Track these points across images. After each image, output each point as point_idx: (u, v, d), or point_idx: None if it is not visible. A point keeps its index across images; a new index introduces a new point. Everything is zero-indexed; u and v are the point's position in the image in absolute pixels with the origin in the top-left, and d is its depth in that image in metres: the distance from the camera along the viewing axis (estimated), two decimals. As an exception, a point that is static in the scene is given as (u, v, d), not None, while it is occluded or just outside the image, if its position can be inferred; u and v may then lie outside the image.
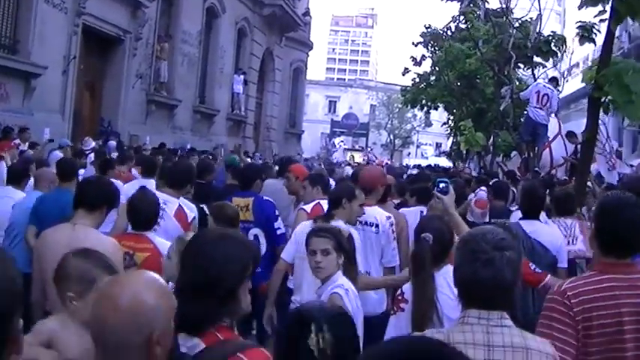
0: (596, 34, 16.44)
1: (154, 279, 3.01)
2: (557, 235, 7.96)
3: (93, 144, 21.43)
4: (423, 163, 58.13)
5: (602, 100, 11.11)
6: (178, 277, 3.64)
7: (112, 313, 2.81)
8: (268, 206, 9.21)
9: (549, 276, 6.55)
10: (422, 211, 10.02)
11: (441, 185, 6.04)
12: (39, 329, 3.25)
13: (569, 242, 8.16)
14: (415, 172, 22.57)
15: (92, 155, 17.67)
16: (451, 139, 47.43)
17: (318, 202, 8.66)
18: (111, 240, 6.10)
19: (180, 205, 8.09)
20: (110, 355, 2.85)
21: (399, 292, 5.41)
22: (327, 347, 2.75)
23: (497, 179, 15.53)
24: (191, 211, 8.19)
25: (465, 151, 36.18)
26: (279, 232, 9.13)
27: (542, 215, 8.30)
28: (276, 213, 9.32)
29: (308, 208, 8.69)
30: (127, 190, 10.05)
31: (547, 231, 7.81)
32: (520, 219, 8.10)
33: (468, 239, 3.57)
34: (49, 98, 23.27)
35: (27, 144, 18.84)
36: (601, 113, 11.71)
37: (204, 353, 3.29)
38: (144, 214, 6.74)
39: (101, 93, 28.77)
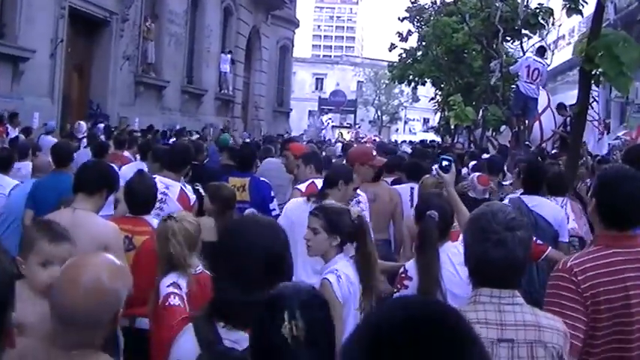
0: (583, 6, 16.43)
1: (111, 260, 3.18)
2: (559, 209, 7.98)
3: (85, 128, 21.42)
4: (412, 138, 58.10)
5: (593, 72, 11.13)
6: (222, 267, 3.45)
7: (85, 299, 2.94)
8: (264, 187, 9.23)
9: (550, 248, 6.59)
10: (412, 188, 10.08)
11: (444, 163, 6.02)
12: None
13: None
14: (408, 149, 22.58)
15: (85, 140, 17.61)
16: (439, 114, 47.43)
17: (313, 181, 8.65)
18: (112, 224, 6.12)
19: (182, 188, 8.12)
20: (78, 333, 2.98)
21: (402, 269, 5.40)
22: (300, 335, 2.65)
23: (492, 155, 15.51)
24: (192, 193, 8.23)
25: (453, 126, 36.18)
26: (274, 212, 9.09)
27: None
28: (272, 194, 9.34)
29: (302, 187, 8.67)
30: (124, 173, 10.09)
31: (549, 205, 7.85)
32: (522, 194, 8.14)
33: (478, 218, 3.53)
34: (37, 82, 23.22)
35: (17, 129, 18.83)
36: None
37: None
38: (141, 197, 6.71)
39: (89, 75, 28.70)
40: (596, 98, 16.83)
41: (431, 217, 5.11)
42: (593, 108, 16.72)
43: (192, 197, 8.16)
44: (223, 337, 3.23)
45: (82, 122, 22.38)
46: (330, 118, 71.86)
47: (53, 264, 3.29)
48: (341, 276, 5.17)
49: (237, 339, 3.21)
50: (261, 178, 9.35)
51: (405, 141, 45.74)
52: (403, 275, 5.31)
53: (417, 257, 5.12)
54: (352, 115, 79.90)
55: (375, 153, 9.06)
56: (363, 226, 5.42)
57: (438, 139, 47.54)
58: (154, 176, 8.33)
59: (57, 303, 2.97)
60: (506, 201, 8.01)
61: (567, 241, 7.73)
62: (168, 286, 4.91)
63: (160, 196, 7.63)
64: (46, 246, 3.39)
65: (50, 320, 3.03)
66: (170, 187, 7.97)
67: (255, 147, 13.61)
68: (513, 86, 28.09)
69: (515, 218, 3.48)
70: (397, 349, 1.59)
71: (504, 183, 11.42)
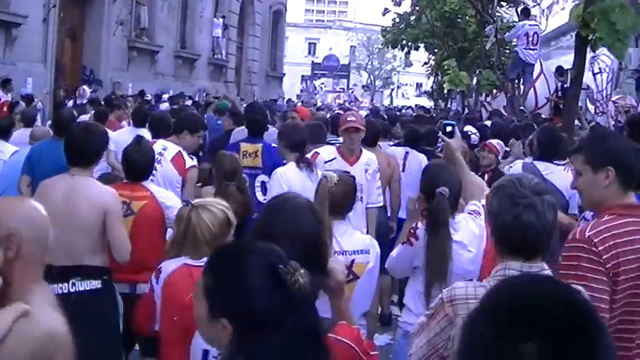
0: (579, -28, 16.41)
1: None
2: (571, 180, 7.72)
3: (88, 93, 21.50)
4: (405, 103, 58.11)
5: (590, 37, 11.14)
6: None
7: None
8: (276, 153, 9.18)
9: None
10: (407, 152, 10.10)
11: (448, 128, 5.95)
12: None
13: None
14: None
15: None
16: (432, 78, 47.43)
17: (316, 152, 8.66)
18: (110, 190, 6.12)
19: (180, 151, 8.10)
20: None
21: (414, 225, 5.32)
22: (305, 286, 2.49)
23: (497, 119, 15.45)
24: (191, 159, 8.24)
25: (446, 91, 36.19)
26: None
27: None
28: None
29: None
30: (116, 137, 10.08)
31: (562, 174, 7.45)
32: (535, 159, 8.04)
33: (504, 185, 3.49)
34: (30, 48, 23.10)
35: (9, 95, 18.84)
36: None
37: None
38: (139, 165, 6.69)
39: (82, 41, 28.51)
40: (605, 69, 16.54)
41: (442, 195, 4.97)
42: (596, 83, 16.59)
43: (190, 162, 8.17)
44: None
45: (85, 87, 22.41)
46: (322, 83, 71.85)
47: None
48: None
49: None
50: (274, 145, 9.31)
51: (404, 106, 45.58)
52: (412, 232, 5.24)
53: (428, 237, 5.00)
54: (345, 80, 79.78)
55: (349, 118, 8.77)
56: (316, 192, 4.85)
57: (431, 103, 47.59)
58: (157, 140, 8.38)
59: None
60: (519, 164, 7.96)
61: (577, 213, 7.52)
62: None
63: (156, 156, 7.65)
64: None
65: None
66: (167, 149, 7.97)
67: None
68: (507, 51, 28.19)
69: (539, 183, 3.45)
70: (532, 330, 1.58)
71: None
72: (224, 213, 4.67)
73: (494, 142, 10.03)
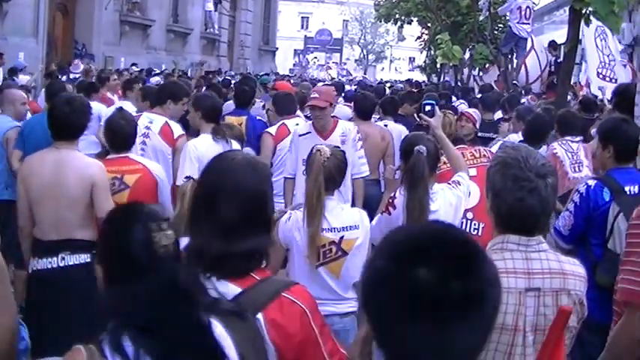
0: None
1: None
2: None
3: (81, 67, 21.41)
4: (398, 77, 57.94)
5: (584, 11, 11.11)
6: (202, 211, 3.13)
7: None
8: (260, 125, 9.14)
9: None
10: (386, 125, 10.05)
11: (427, 108, 5.95)
12: None
13: (575, 169, 8.03)
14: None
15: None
16: (425, 53, 47.33)
17: (284, 123, 8.62)
18: (97, 162, 6.11)
19: (166, 122, 8.06)
20: None
21: (393, 194, 5.42)
22: (169, 244, 2.64)
23: (488, 93, 15.43)
24: (178, 128, 8.18)
25: (439, 66, 36.11)
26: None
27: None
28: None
29: (273, 130, 8.63)
30: (106, 113, 10.03)
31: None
32: (520, 142, 8.03)
33: (509, 164, 3.36)
34: (21, 22, 23.01)
35: (0, 68, 18.79)
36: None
37: (244, 297, 2.92)
38: (123, 132, 6.57)
39: (74, 15, 28.42)
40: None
41: (420, 153, 5.06)
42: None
43: (178, 132, 8.12)
44: (209, 287, 2.91)
45: (77, 61, 22.38)
46: (315, 57, 71.68)
47: None
48: (291, 216, 5.10)
49: (224, 291, 2.93)
50: (257, 117, 9.24)
51: (397, 80, 45.44)
52: (390, 201, 5.34)
53: (407, 193, 5.07)
54: (338, 54, 79.56)
55: (312, 95, 8.63)
56: (309, 165, 5.07)
57: (424, 78, 47.48)
58: (142, 113, 8.32)
59: None
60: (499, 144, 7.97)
61: None
62: None
63: (143, 130, 7.58)
64: None
65: None
66: (154, 122, 7.91)
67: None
68: (501, 25, 28.12)
69: (545, 164, 3.36)
70: (430, 261, 1.79)
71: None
72: None
73: (471, 111, 10.12)
